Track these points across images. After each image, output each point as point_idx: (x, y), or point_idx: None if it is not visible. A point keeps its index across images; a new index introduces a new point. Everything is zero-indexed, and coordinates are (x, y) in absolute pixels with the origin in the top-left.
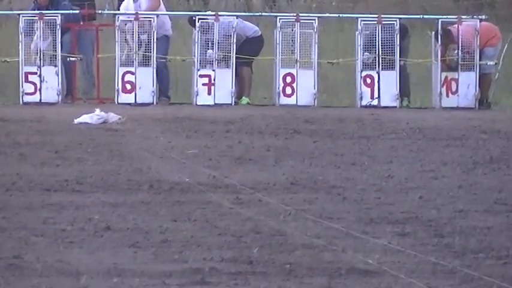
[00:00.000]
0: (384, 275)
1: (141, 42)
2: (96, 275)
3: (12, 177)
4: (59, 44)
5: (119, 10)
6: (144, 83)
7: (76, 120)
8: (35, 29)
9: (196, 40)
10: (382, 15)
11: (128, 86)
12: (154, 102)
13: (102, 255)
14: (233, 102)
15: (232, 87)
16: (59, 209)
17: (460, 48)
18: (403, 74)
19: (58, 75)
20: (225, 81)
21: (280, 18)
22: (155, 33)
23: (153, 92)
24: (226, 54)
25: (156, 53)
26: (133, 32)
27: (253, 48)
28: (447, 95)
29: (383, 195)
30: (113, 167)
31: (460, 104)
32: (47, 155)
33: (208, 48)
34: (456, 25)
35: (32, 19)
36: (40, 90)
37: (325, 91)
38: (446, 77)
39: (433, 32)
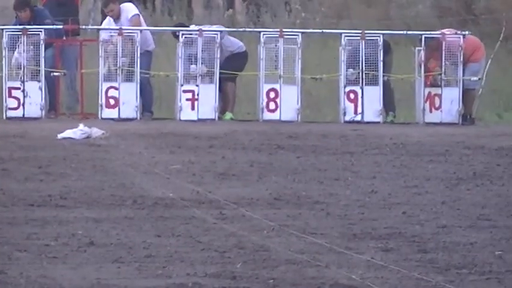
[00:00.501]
0: None
1: (124, 57)
2: None
3: None
4: (43, 59)
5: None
6: (128, 98)
7: (60, 136)
8: (18, 43)
9: (179, 55)
10: (366, 31)
11: (112, 101)
12: (138, 118)
13: (85, 270)
14: (217, 117)
15: (215, 103)
16: (43, 224)
17: (443, 62)
18: (387, 89)
19: (41, 90)
20: (208, 96)
21: (264, 34)
22: (138, 48)
23: (136, 107)
24: (210, 69)
25: (139, 68)
26: (116, 47)
27: (238, 63)
28: (430, 111)
29: (366, 210)
30: (97, 182)
31: (444, 119)
32: (31, 170)
33: (192, 63)
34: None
35: (16, 34)
36: (23, 105)
37: (308, 106)
38: (429, 93)
39: (417, 48)
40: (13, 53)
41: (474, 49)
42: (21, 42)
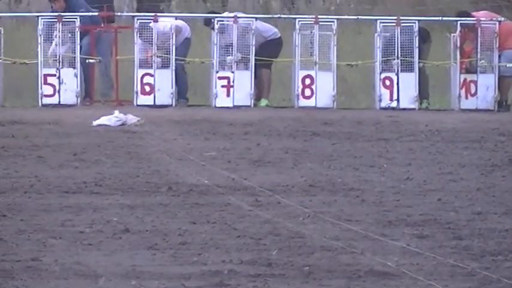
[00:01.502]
0: (402, 277)
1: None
2: (114, 277)
3: (31, 180)
4: (78, 46)
5: (137, 12)
6: (163, 85)
7: (94, 122)
8: (54, 31)
9: (214, 42)
10: (401, 18)
11: (147, 88)
12: (173, 104)
13: (120, 257)
14: (252, 104)
15: (251, 89)
16: (77, 211)
17: (479, 49)
18: (422, 76)
19: (77, 77)
20: (244, 83)
21: (299, 21)
22: (174, 35)
23: (171, 93)
24: (245, 56)
25: (176, 55)
26: (152, 34)
27: (273, 50)
28: (466, 97)
29: (401, 197)
30: (131, 169)
31: (479, 106)
32: (65, 157)
33: (227, 50)
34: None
35: (51, 21)
36: (59, 92)
37: (343, 93)
38: (465, 79)
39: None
40: (50, 43)
41: (509, 35)
42: (56, 30)
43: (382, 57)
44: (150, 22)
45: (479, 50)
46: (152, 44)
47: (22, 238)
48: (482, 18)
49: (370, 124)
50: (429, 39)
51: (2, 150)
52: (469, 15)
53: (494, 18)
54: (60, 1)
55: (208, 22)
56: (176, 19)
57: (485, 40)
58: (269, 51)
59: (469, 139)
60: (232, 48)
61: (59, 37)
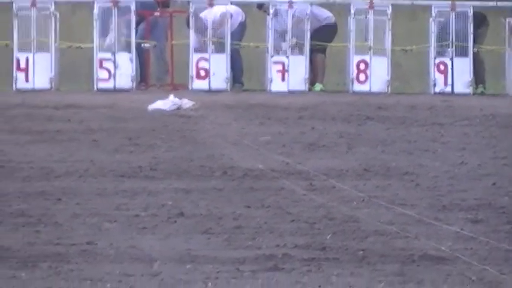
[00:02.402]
0: (456, 262)
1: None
2: (169, 261)
3: (86, 164)
4: (134, 31)
5: None
6: (218, 69)
7: (150, 107)
8: (111, 28)
9: (269, 27)
10: (456, 2)
11: (202, 73)
12: (228, 89)
13: (175, 241)
14: (307, 88)
15: (305, 74)
16: (132, 195)
17: None
18: (477, 61)
19: (132, 62)
20: (298, 68)
21: (353, 5)
22: (229, 21)
23: (226, 78)
24: (300, 41)
25: (231, 40)
26: (207, 20)
27: (327, 35)
28: None
29: (455, 182)
30: (186, 153)
31: None
32: (120, 141)
33: (282, 35)
34: None
35: (107, 6)
36: (114, 76)
37: (398, 78)
38: None
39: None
40: (106, 29)
41: None
42: (112, 27)
43: (436, 42)
44: (204, 10)
45: None
46: (204, 32)
47: (77, 222)
48: None
49: (424, 109)
50: (486, 23)
51: (57, 134)
52: None
53: None
54: None
55: (260, 5)
56: (231, 3)
57: None
58: (323, 36)
59: None
60: (287, 34)
61: (114, 21)
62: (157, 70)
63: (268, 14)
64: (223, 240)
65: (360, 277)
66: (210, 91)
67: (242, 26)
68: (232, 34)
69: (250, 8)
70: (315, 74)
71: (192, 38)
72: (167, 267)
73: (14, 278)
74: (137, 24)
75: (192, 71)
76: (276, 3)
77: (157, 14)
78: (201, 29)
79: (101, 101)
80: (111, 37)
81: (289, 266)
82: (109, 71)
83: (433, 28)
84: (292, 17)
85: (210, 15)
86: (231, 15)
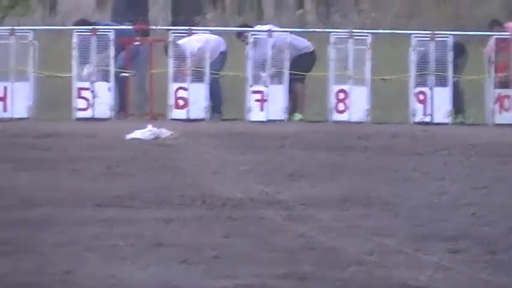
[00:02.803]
0: None
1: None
2: None
3: (65, 193)
4: (112, 60)
5: (172, 25)
6: (197, 98)
7: (128, 136)
8: (89, 44)
9: (248, 56)
10: (436, 32)
11: (181, 102)
12: (207, 118)
13: (154, 270)
14: (286, 118)
15: (285, 103)
16: (111, 225)
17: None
18: (456, 91)
19: (111, 91)
20: (277, 97)
21: (333, 34)
22: (208, 50)
23: (205, 107)
24: (279, 70)
25: (211, 69)
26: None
27: (306, 64)
28: (500, 112)
29: (435, 211)
30: (165, 182)
31: None
32: (100, 170)
33: (261, 64)
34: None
35: (86, 35)
36: (93, 105)
37: (378, 107)
38: (499, 94)
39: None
40: (85, 58)
41: None
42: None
43: (416, 72)
44: (183, 38)
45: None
46: (183, 61)
47: (56, 251)
48: None
49: (405, 138)
50: (465, 53)
51: (38, 163)
52: (501, 24)
53: None
54: None
55: (239, 34)
56: (210, 33)
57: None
58: (302, 65)
59: (503, 153)
60: (266, 63)
61: (94, 49)
62: (137, 99)
63: (247, 44)
64: (202, 270)
65: None
66: (188, 120)
67: (223, 55)
68: (212, 63)
69: (229, 37)
70: (294, 104)
71: (171, 67)
72: None
73: None
74: (117, 52)
75: (171, 100)
76: (255, 32)
77: (137, 42)
78: (180, 58)
79: (80, 130)
80: (89, 66)
81: None
82: (88, 100)
83: (413, 57)
84: (272, 46)
85: (189, 44)
86: (211, 44)
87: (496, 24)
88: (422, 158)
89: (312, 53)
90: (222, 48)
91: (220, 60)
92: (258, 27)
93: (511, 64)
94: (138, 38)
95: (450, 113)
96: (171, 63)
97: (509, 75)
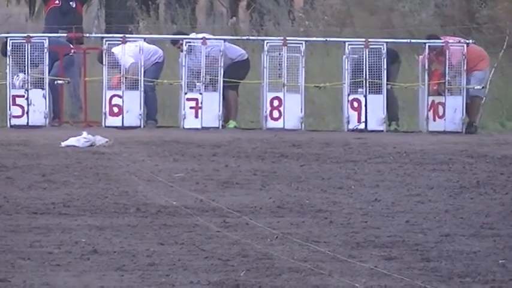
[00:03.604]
0: None
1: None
2: None
3: None
4: (46, 67)
5: (105, 34)
6: (132, 106)
7: (63, 143)
8: (23, 51)
9: (183, 64)
10: (369, 40)
11: (115, 109)
12: (142, 126)
13: (88, 278)
14: (220, 125)
15: (219, 111)
16: (46, 232)
17: (447, 71)
18: (390, 98)
19: (45, 98)
20: (212, 104)
21: (267, 42)
22: (143, 57)
23: (140, 115)
24: (214, 77)
25: (146, 77)
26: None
27: (240, 71)
28: (434, 119)
29: (369, 219)
30: (100, 190)
31: (447, 128)
32: (34, 178)
33: (196, 72)
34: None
35: (20, 42)
36: (27, 113)
37: (312, 115)
38: (433, 101)
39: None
40: (18, 72)
41: (479, 59)
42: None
43: (350, 79)
44: (117, 46)
45: (447, 72)
46: (118, 68)
47: None
48: (450, 40)
49: (339, 146)
50: (398, 60)
51: None
52: (439, 39)
53: (462, 41)
54: None
55: (175, 42)
56: (144, 40)
57: (454, 62)
58: (235, 73)
59: (437, 161)
60: (200, 71)
61: (28, 56)
62: (71, 107)
63: (182, 51)
64: (137, 277)
65: None
66: (123, 128)
67: (157, 66)
68: (147, 71)
69: (163, 45)
70: (228, 111)
71: (105, 75)
72: None
73: None
74: (52, 62)
75: (106, 108)
76: (189, 39)
77: (71, 51)
78: (114, 65)
79: (14, 137)
80: (23, 75)
81: None
82: (22, 108)
83: (347, 65)
84: (207, 55)
85: (123, 59)
86: (145, 55)
87: (433, 38)
88: (356, 165)
89: (246, 60)
90: (157, 58)
91: (155, 70)
92: (193, 35)
93: (445, 72)
94: (72, 46)
95: (384, 120)
96: (105, 70)
97: (442, 83)
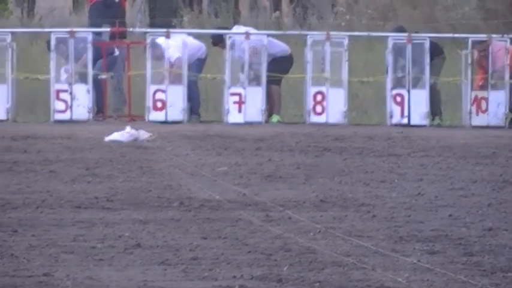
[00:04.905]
0: None
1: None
2: None
3: (43, 195)
4: (90, 62)
5: (149, 28)
6: (175, 100)
7: (107, 139)
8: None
9: (226, 58)
10: (412, 34)
11: (159, 104)
12: (185, 120)
13: (132, 272)
14: (263, 120)
15: (262, 105)
16: (89, 226)
17: (489, 66)
18: (434, 93)
19: (89, 93)
20: (255, 99)
21: (310, 37)
22: (187, 52)
23: (183, 109)
24: (257, 72)
25: (189, 71)
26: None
27: (282, 66)
28: (477, 114)
29: (412, 213)
30: (143, 184)
31: (490, 122)
32: (78, 172)
33: (239, 67)
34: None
35: (63, 37)
36: (71, 107)
37: (355, 109)
38: (476, 96)
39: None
40: (62, 65)
41: None
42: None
43: (393, 74)
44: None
45: (490, 66)
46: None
47: (34, 253)
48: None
49: (382, 140)
50: (442, 54)
51: (15, 165)
52: (405, 31)
53: (505, 35)
54: None
55: (216, 42)
56: (188, 35)
57: (497, 58)
58: (279, 67)
59: (480, 155)
60: (244, 65)
61: (71, 51)
62: (114, 101)
63: (224, 48)
64: (180, 271)
65: None
66: (166, 122)
67: (200, 61)
68: (189, 66)
69: (207, 39)
70: (271, 106)
71: (149, 69)
72: None
73: None
74: (96, 58)
75: (149, 102)
76: (232, 34)
77: (115, 50)
78: (160, 58)
79: (58, 131)
80: (67, 68)
81: None
82: (66, 102)
83: (390, 59)
84: (249, 48)
85: (167, 52)
86: (190, 50)
87: (400, 31)
88: (399, 159)
89: (289, 56)
90: (200, 54)
91: (197, 66)
92: (235, 28)
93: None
94: (115, 41)
95: (427, 115)
96: (149, 65)
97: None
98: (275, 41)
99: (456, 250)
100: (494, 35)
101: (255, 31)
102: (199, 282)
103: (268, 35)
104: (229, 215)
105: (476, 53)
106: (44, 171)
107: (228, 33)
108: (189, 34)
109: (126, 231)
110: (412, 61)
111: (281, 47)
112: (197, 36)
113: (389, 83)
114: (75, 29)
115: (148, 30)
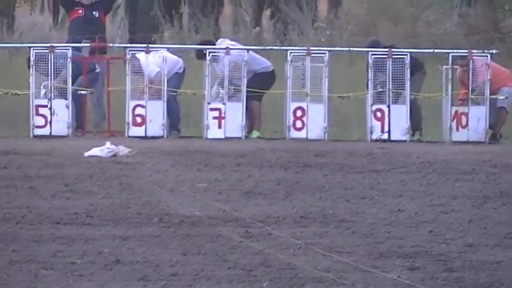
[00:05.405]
0: None
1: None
2: None
3: (23, 210)
4: (70, 77)
5: (129, 43)
6: (155, 116)
7: (86, 154)
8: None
9: (206, 73)
10: (393, 49)
11: (139, 119)
12: (165, 136)
13: None
14: (243, 135)
15: (242, 121)
16: (69, 242)
17: (470, 83)
18: (414, 108)
19: (68, 108)
20: (235, 114)
21: (290, 52)
22: (166, 67)
23: (163, 125)
24: (237, 87)
25: (168, 87)
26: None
27: (264, 82)
28: (457, 129)
29: (393, 229)
30: (123, 200)
31: (470, 138)
32: (57, 187)
33: (218, 82)
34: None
35: (43, 52)
36: (50, 123)
37: (335, 125)
38: (456, 111)
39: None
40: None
41: (508, 79)
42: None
43: (373, 89)
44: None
45: (471, 81)
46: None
47: (14, 269)
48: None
49: (362, 156)
50: (423, 69)
51: None
52: (380, 45)
53: (485, 51)
54: None
55: (200, 56)
56: (167, 50)
57: (477, 73)
58: (260, 83)
59: (461, 171)
60: (224, 80)
61: (51, 67)
62: (94, 116)
63: (202, 59)
64: (160, 287)
65: None
66: (146, 138)
67: (178, 76)
68: (168, 82)
69: (188, 54)
70: (251, 121)
71: (129, 84)
72: None
73: None
74: (76, 75)
75: (129, 118)
76: (213, 49)
77: (96, 67)
78: (138, 73)
79: (38, 147)
80: (47, 85)
81: None
82: (45, 118)
83: (370, 75)
84: (229, 63)
85: (147, 68)
86: (168, 65)
87: (374, 46)
88: (380, 175)
89: (272, 72)
90: (178, 69)
91: (175, 80)
92: (220, 42)
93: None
94: (95, 56)
95: (407, 130)
96: (129, 80)
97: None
98: (258, 56)
99: (436, 266)
100: (474, 51)
101: (240, 45)
102: None
103: (249, 50)
104: (209, 231)
105: (459, 69)
106: (23, 187)
107: (208, 48)
108: (168, 50)
109: (106, 247)
110: (392, 76)
111: (264, 63)
112: (177, 52)
113: (369, 99)
114: (54, 44)
115: (128, 45)
